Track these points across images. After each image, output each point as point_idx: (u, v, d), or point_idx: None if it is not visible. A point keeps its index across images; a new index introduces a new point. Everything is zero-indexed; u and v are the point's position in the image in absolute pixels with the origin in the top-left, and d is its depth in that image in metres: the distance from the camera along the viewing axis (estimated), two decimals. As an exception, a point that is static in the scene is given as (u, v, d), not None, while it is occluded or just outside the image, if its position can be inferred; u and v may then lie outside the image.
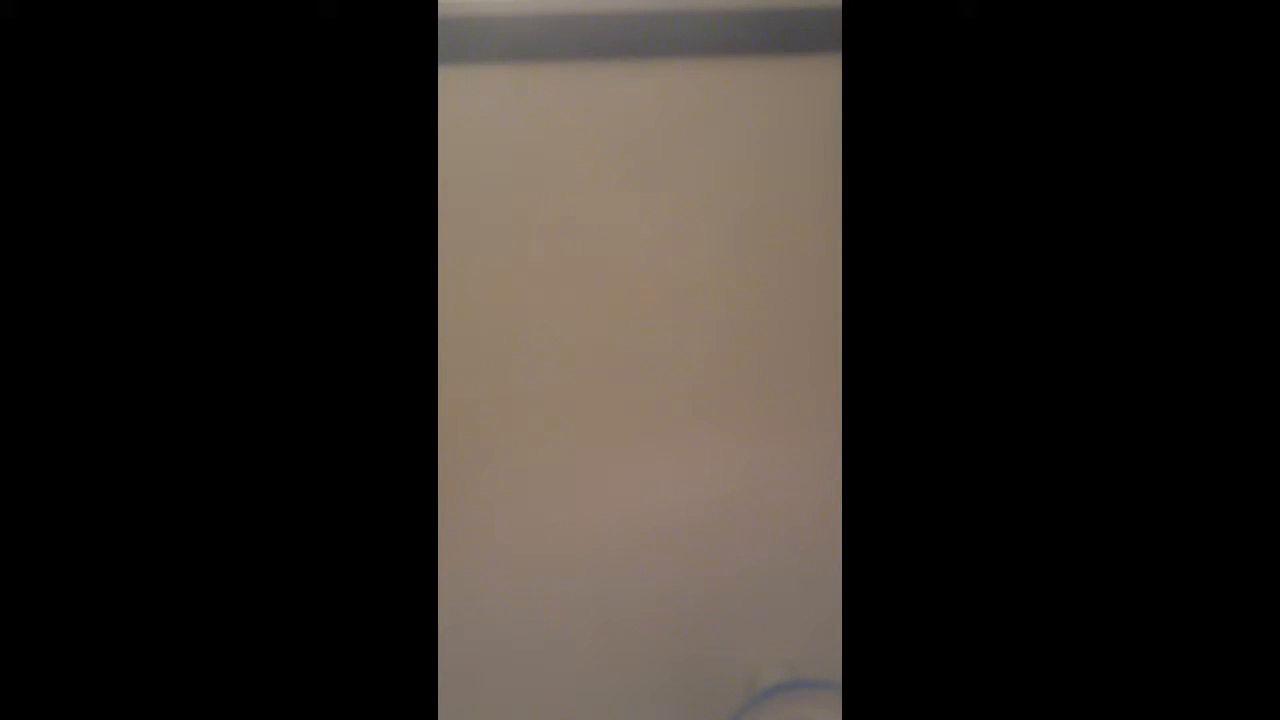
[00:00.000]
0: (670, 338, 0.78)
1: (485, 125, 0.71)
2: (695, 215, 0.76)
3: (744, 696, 0.89)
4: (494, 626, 0.84)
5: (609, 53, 0.71)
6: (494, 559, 0.82)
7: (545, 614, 0.84)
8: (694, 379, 0.80)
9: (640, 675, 0.87)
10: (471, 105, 0.71)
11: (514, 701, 0.86)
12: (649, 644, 0.86)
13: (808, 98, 0.74)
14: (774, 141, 0.75)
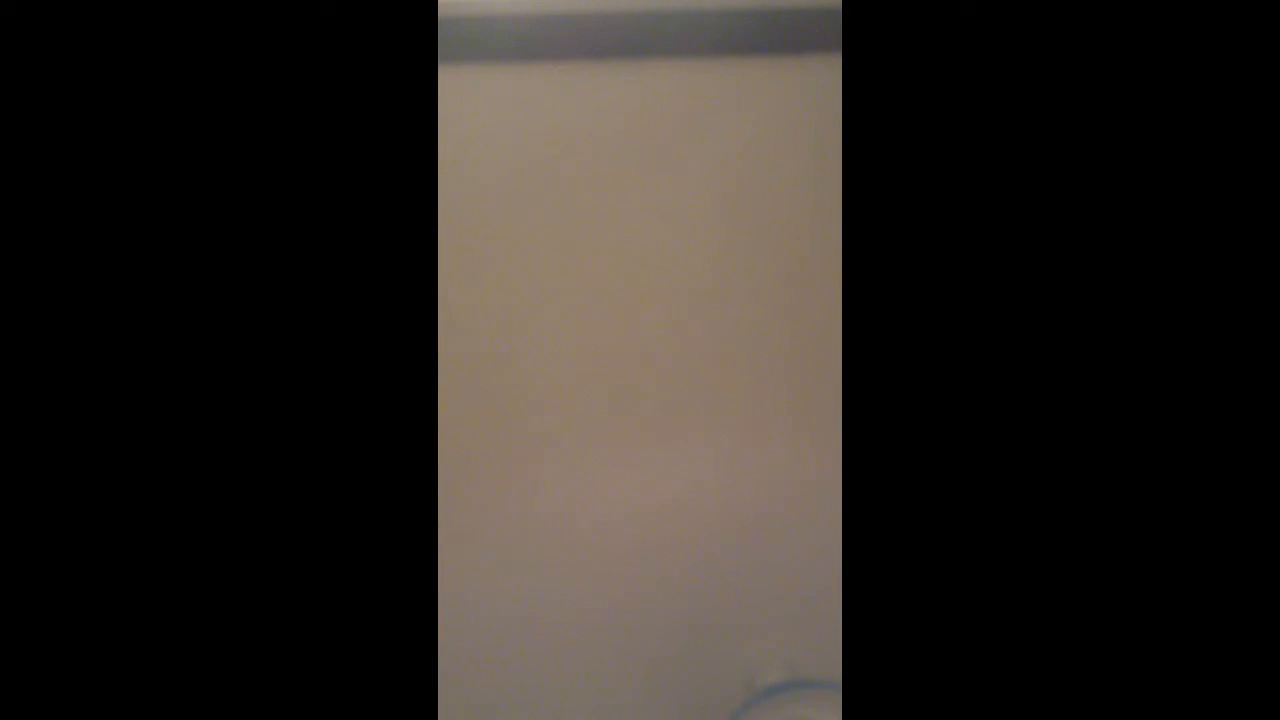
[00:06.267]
0: (671, 336, 0.78)
1: (485, 125, 0.71)
2: (694, 215, 0.76)
3: (744, 696, 0.89)
4: (493, 625, 0.84)
5: (609, 53, 0.71)
6: (493, 558, 0.82)
7: (544, 613, 0.84)
8: (695, 377, 0.80)
9: (640, 674, 0.87)
10: (471, 105, 0.71)
11: (513, 701, 0.86)
12: (649, 643, 0.86)
13: (808, 98, 0.74)
14: (774, 141, 0.75)
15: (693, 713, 0.89)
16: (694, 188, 0.75)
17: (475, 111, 0.71)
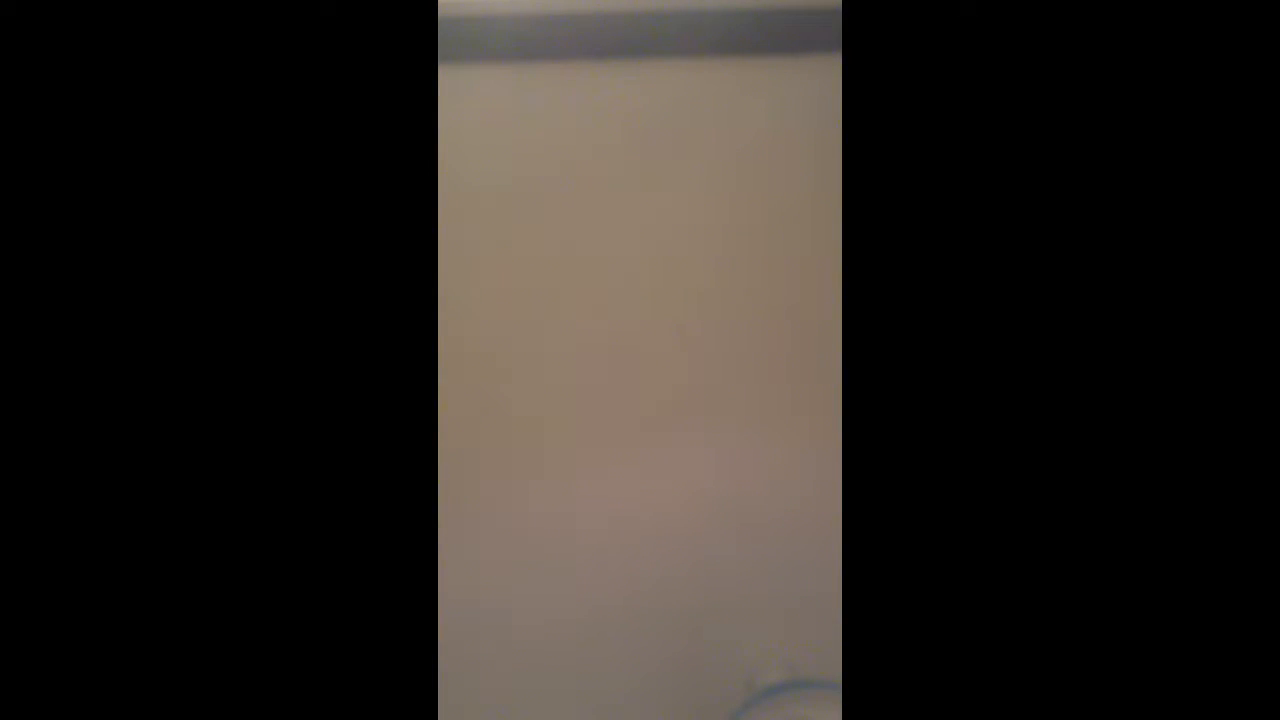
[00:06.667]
0: (671, 336, 0.78)
1: (485, 125, 0.71)
2: (695, 215, 0.76)
3: (744, 696, 0.89)
4: (493, 625, 0.84)
5: (609, 53, 0.71)
6: (493, 558, 0.82)
7: (544, 613, 0.84)
8: (695, 377, 0.80)
9: (640, 675, 0.87)
10: (471, 105, 0.71)
11: (513, 701, 0.86)
12: (648, 643, 0.86)
13: (808, 98, 0.74)
14: (774, 141, 0.75)
15: (693, 713, 0.89)
16: (694, 188, 0.75)
17: (475, 111, 0.71)
